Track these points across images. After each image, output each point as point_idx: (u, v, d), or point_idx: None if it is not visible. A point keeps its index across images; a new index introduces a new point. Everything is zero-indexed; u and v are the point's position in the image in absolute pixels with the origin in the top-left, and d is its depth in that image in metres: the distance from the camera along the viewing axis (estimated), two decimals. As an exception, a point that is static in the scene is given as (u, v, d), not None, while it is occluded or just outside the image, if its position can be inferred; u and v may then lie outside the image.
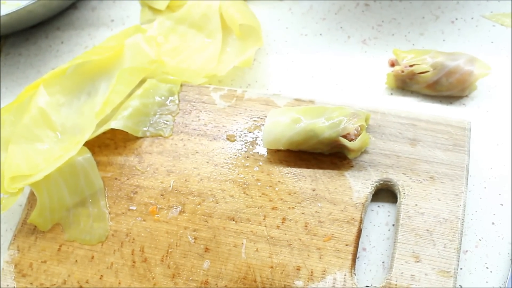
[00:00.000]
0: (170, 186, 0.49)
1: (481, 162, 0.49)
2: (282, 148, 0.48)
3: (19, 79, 0.62)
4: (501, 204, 0.47)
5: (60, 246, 0.49)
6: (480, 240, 0.46)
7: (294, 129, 0.46)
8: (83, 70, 0.55)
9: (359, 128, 0.46)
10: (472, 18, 0.56)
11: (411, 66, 0.51)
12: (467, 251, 0.46)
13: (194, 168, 0.50)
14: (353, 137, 0.46)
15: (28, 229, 0.50)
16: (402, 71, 0.51)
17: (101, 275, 0.47)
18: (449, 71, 0.50)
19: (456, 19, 0.56)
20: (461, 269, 0.45)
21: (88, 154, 0.51)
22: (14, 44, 0.64)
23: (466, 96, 0.52)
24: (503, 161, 0.48)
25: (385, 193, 0.48)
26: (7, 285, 0.48)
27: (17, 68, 0.62)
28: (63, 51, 0.62)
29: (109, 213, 0.49)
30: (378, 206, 0.48)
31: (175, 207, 0.48)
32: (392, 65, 0.54)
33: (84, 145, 0.51)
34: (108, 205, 0.50)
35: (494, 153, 0.49)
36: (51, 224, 0.50)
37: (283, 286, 0.44)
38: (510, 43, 0.53)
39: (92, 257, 0.48)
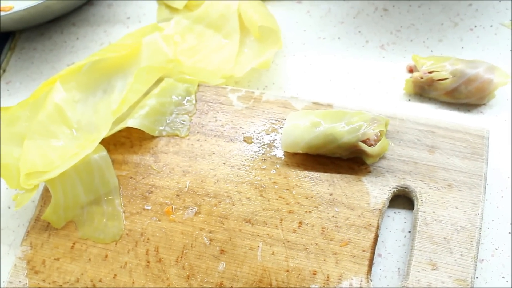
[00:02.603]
0: (186, 187, 0.49)
1: (498, 171, 0.49)
2: (300, 151, 0.47)
3: (34, 74, 0.61)
4: (518, 214, 0.47)
5: (74, 243, 0.49)
6: (496, 249, 0.46)
7: (313, 132, 0.46)
8: (99, 67, 0.55)
9: (379, 134, 0.46)
10: (491, 26, 0.55)
11: (430, 72, 0.51)
12: (483, 260, 0.46)
13: (211, 169, 0.49)
14: (373, 143, 0.46)
15: (41, 226, 0.50)
16: (421, 78, 0.51)
17: (115, 274, 0.47)
18: (468, 78, 0.50)
19: (475, 26, 0.56)
20: (477, 278, 0.45)
21: (104, 152, 0.50)
22: (29, 38, 0.64)
23: (484, 104, 0.52)
24: (521, 171, 0.48)
25: (402, 199, 0.48)
26: (20, 281, 0.48)
27: (31, 63, 0.62)
28: (78, 47, 0.62)
29: (124, 212, 0.49)
30: (395, 213, 0.48)
31: (190, 208, 0.48)
32: (411, 71, 0.54)
33: (99, 143, 0.50)
34: (123, 204, 0.50)
35: (511, 163, 0.49)
36: (65, 222, 0.50)
37: (299, 290, 0.44)
38: (529, 52, 0.53)
39: (106, 256, 0.48)
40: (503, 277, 0.45)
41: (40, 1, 0.56)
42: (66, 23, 0.64)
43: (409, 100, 0.53)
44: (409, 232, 0.47)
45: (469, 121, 0.51)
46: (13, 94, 0.60)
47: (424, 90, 0.52)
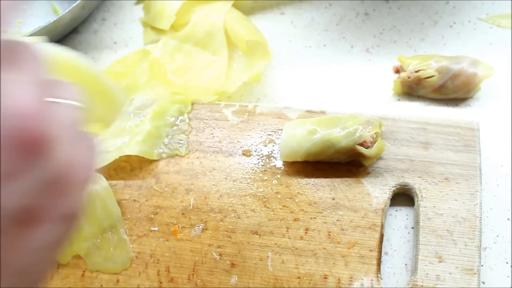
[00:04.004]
0: (190, 205, 0.50)
1: (491, 161, 0.50)
2: (299, 160, 0.49)
3: (26, 107, 0.61)
4: (515, 200, 0.48)
5: (84, 271, 0.49)
6: (497, 236, 0.47)
7: (311, 140, 0.47)
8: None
9: (375, 135, 0.47)
10: (469, 21, 0.57)
11: (416, 71, 0.52)
12: (486, 248, 0.47)
13: (213, 185, 0.50)
14: (370, 144, 0.47)
15: (49, 257, 0.50)
16: (409, 77, 0.53)
17: (128, 298, 0.47)
18: (454, 74, 0.52)
19: (454, 23, 0.58)
20: (482, 266, 0.46)
21: (104, 183, 0.50)
22: (17, 72, 0.64)
23: (471, 97, 0.53)
24: (513, 158, 0.50)
25: (401, 197, 0.49)
26: (33, 315, 0.48)
27: (22, 96, 0.62)
28: (68, 76, 0.62)
29: (131, 235, 0.50)
30: (396, 210, 0.49)
31: (197, 225, 0.49)
32: (397, 71, 0.56)
33: (99, 170, 0.51)
34: (129, 228, 0.50)
35: (503, 151, 0.51)
36: (70, 256, 0.49)
37: (312, 295, 0.45)
38: (509, 44, 0.55)
39: (118, 281, 0.48)
40: (507, 263, 0.46)
41: (28, 34, 0.56)
42: (53, 54, 0.64)
43: (399, 100, 0.55)
44: (412, 228, 0.48)
45: (458, 115, 0.53)
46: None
47: (412, 89, 0.54)
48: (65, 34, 0.64)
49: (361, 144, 0.47)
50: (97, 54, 0.63)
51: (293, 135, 0.48)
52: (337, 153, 0.47)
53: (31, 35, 0.56)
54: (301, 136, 0.48)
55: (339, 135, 0.47)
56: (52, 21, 0.57)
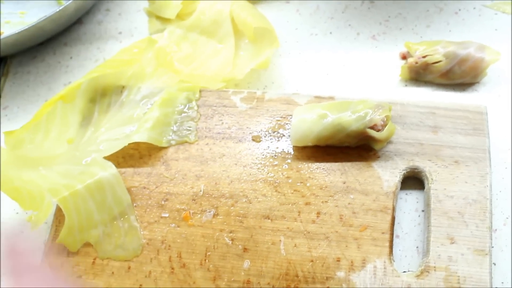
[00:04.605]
0: (201, 191, 0.50)
1: (499, 144, 0.51)
2: (310, 144, 0.49)
3: (31, 97, 0.61)
4: (523, 182, 0.49)
5: (94, 259, 0.49)
6: (507, 218, 0.48)
7: (321, 124, 0.47)
8: (99, 83, 0.55)
9: (385, 119, 0.47)
10: (474, 8, 0.58)
11: (424, 57, 0.53)
12: (496, 229, 0.47)
13: (223, 171, 0.50)
14: (380, 128, 0.47)
15: (58, 246, 0.50)
16: (416, 63, 0.53)
17: (140, 284, 0.47)
18: (461, 59, 0.52)
19: (460, 9, 0.58)
20: (492, 247, 0.46)
21: (114, 170, 0.50)
22: (22, 63, 0.64)
23: (478, 82, 0.54)
24: (520, 142, 0.50)
25: (411, 180, 0.49)
26: (44, 303, 0.48)
27: (27, 86, 0.62)
28: (73, 66, 0.62)
29: (141, 222, 0.49)
30: (406, 194, 0.49)
31: (208, 211, 0.49)
32: (404, 58, 0.56)
33: (107, 158, 0.51)
34: (139, 215, 0.50)
35: (510, 135, 0.51)
36: (81, 244, 0.49)
37: (325, 278, 0.45)
38: (513, 29, 0.56)
39: (129, 268, 0.48)
40: (517, 244, 0.47)
41: (34, 23, 0.56)
42: (57, 44, 0.64)
43: (406, 85, 0.55)
44: (423, 211, 0.48)
45: (466, 100, 0.53)
46: (12, 119, 0.60)
47: (420, 75, 0.54)
48: (69, 25, 0.64)
49: (371, 128, 0.47)
50: (102, 44, 0.63)
51: (304, 119, 0.48)
52: (347, 137, 0.48)
53: (35, 24, 0.56)
54: (312, 121, 0.48)
55: (349, 118, 0.47)
56: (56, 11, 0.57)
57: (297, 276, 0.45)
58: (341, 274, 0.45)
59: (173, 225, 0.49)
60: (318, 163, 0.49)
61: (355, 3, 0.60)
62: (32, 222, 0.49)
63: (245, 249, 0.47)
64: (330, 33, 0.59)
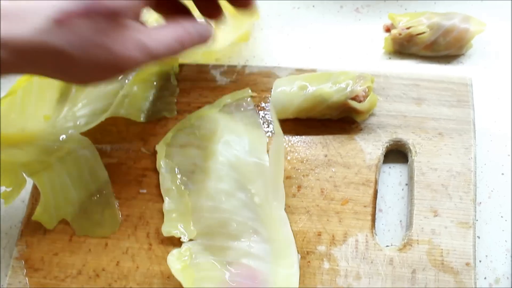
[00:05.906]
0: (179, 166, 0.49)
1: (484, 117, 0.50)
2: (291, 116, 0.47)
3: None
4: (508, 155, 0.48)
5: (71, 236, 0.48)
6: (492, 191, 0.47)
7: (302, 96, 0.46)
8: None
9: (367, 90, 0.46)
10: (459, -21, 0.57)
11: (408, 28, 0.52)
12: (480, 202, 0.46)
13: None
14: (362, 99, 0.46)
15: (35, 224, 0.49)
16: (400, 34, 0.52)
17: (118, 261, 0.46)
18: (445, 30, 0.51)
19: (445, -19, 0.57)
20: (477, 220, 0.46)
21: (90, 146, 0.49)
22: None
23: (463, 54, 0.53)
24: (506, 114, 0.49)
25: (394, 154, 0.48)
26: (19, 282, 0.47)
27: None
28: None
29: (119, 199, 0.48)
30: (389, 167, 0.48)
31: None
32: (388, 30, 0.55)
33: (84, 134, 0.49)
34: (116, 194, 0.48)
35: (496, 107, 0.50)
36: (57, 221, 0.48)
37: (306, 252, 0.44)
38: (499, 1, 0.54)
39: (106, 244, 0.47)
40: (502, 217, 0.46)
41: None
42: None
43: (390, 58, 0.54)
44: (406, 185, 0.47)
45: (451, 72, 0.52)
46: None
47: (404, 47, 0.53)
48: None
49: (353, 99, 0.46)
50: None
51: (284, 91, 0.47)
52: (328, 109, 0.46)
53: None
54: (292, 92, 0.47)
55: (330, 90, 0.46)
56: None
57: (277, 250, 0.44)
58: (322, 248, 0.44)
59: (151, 201, 0.48)
60: (299, 136, 0.48)
61: (339, -25, 0.59)
62: (5, 198, 0.48)
63: (224, 224, 0.46)
64: (313, 6, 0.58)
